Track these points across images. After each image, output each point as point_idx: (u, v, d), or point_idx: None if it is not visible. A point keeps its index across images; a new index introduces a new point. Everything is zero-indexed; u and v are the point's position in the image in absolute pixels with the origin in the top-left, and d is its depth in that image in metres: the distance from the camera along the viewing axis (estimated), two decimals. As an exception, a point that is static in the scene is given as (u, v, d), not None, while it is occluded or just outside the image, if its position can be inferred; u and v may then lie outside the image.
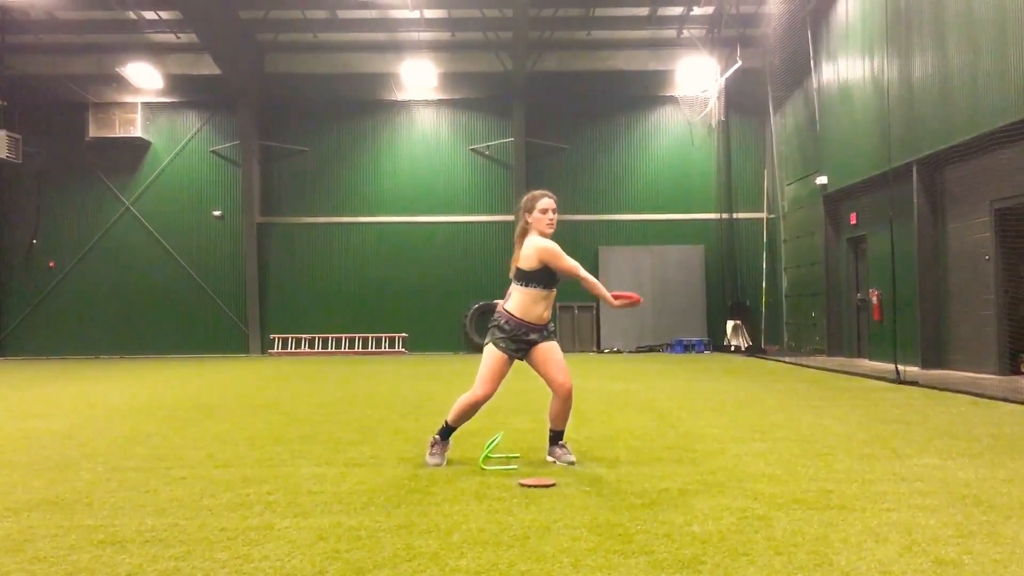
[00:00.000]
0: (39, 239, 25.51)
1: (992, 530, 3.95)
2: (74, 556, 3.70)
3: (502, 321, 5.81)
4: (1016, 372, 13.15)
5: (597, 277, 5.96)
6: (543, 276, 5.73)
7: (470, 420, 5.99)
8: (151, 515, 4.44)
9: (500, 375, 5.80)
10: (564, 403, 5.86)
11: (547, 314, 5.87)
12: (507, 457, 5.98)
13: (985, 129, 13.12)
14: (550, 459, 5.92)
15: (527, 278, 5.75)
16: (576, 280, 5.82)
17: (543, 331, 5.86)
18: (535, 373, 5.92)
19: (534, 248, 5.73)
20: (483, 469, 5.59)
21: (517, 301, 5.80)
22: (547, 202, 5.91)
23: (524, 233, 5.91)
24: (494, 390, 5.80)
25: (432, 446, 5.92)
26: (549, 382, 5.87)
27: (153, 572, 3.45)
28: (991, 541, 3.77)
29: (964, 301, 14.45)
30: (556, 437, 5.96)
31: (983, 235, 13.79)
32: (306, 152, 25.64)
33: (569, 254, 5.85)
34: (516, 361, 5.88)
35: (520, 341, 5.78)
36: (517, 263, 5.80)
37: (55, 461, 6.17)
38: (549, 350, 5.85)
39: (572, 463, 5.81)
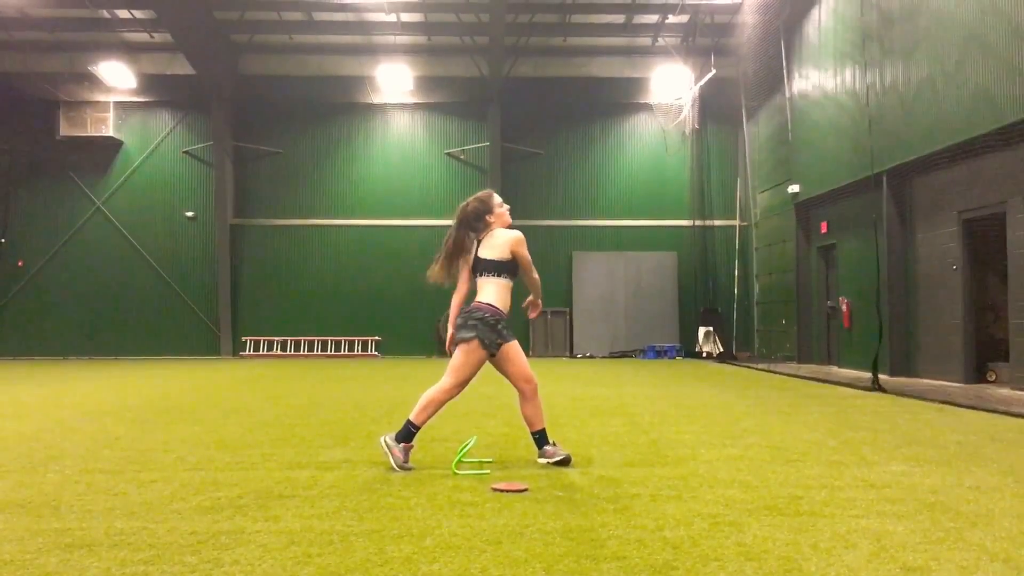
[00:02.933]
0: (8, 238, 25.17)
1: (959, 536, 4.00)
2: (41, 559, 3.65)
3: (487, 315, 5.74)
4: (983, 381, 13.34)
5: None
6: (512, 266, 5.82)
7: (434, 419, 5.95)
8: (120, 518, 4.39)
9: (475, 373, 5.79)
10: (534, 399, 5.86)
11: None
12: (480, 462, 5.97)
13: (954, 140, 13.31)
14: (542, 461, 5.86)
15: (499, 268, 5.81)
16: (526, 273, 5.92)
17: (508, 326, 5.87)
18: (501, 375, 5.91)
19: (507, 238, 5.82)
20: (456, 473, 5.58)
21: (494, 293, 5.81)
22: (499, 198, 6.06)
23: (465, 234, 5.94)
24: (464, 387, 5.81)
25: (395, 448, 5.71)
26: (516, 380, 5.86)
27: (122, 576, 3.41)
28: (957, 547, 3.82)
29: (932, 310, 14.64)
30: (542, 438, 5.94)
31: (951, 245, 13.98)
32: (280, 154, 25.51)
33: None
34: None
35: (500, 336, 5.77)
36: (485, 255, 5.83)
37: (22, 463, 6.09)
38: (515, 348, 5.85)
39: (567, 457, 5.82)
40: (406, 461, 5.68)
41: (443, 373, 5.83)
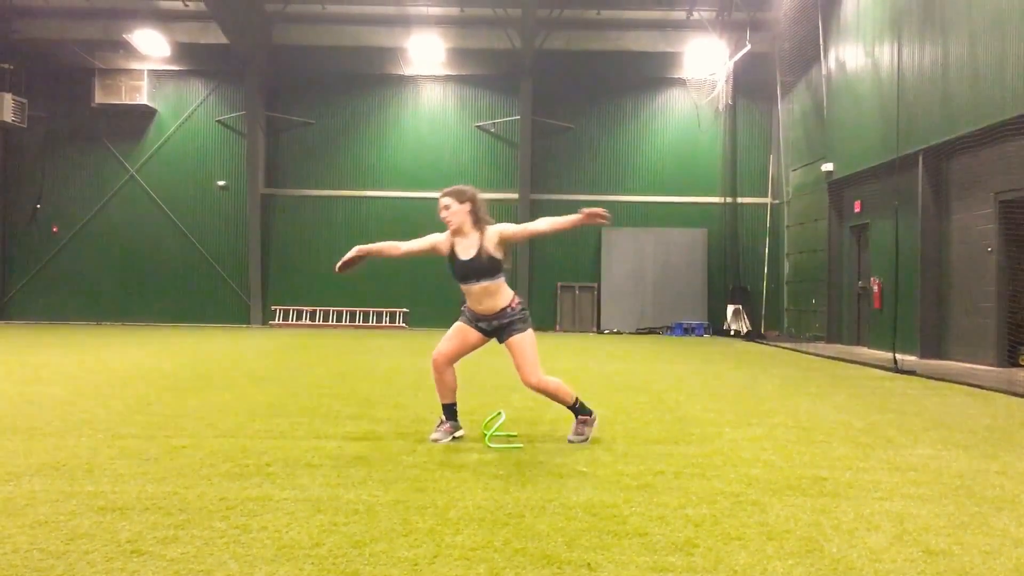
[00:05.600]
0: (43, 204, 25.50)
1: (983, 521, 3.99)
2: (75, 521, 3.74)
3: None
4: (1015, 365, 13.18)
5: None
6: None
7: (454, 392, 5.99)
8: (151, 483, 4.48)
9: (457, 339, 5.95)
10: (539, 392, 5.93)
11: (487, 305, 5.92)
12: (508, 435, 6.01)
13: (992, 120, 13.08)
14: (570, 437, 5.96)
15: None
16: (535, 237, 5.97)
17: (491, 321, 5.90)
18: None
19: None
20: (489, 447, 5.63)
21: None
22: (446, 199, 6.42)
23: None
24: (447, 351, 5.93)
25: (439, 424, 5.99)
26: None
27: (152, 540, 3.49)
28: (982, 532, 3.81)
29: (965, 292, 14.46)
30: (579, 410, 5.98)
31: (986, 226, 13.78)
32: (312, 124, 25.57)
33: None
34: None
35: (476, 324, 5.97)
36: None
37: (56, 427, 6.21)
38: (513, 344, 5.87)
39: (572, 441, 5.85)
40: None
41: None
